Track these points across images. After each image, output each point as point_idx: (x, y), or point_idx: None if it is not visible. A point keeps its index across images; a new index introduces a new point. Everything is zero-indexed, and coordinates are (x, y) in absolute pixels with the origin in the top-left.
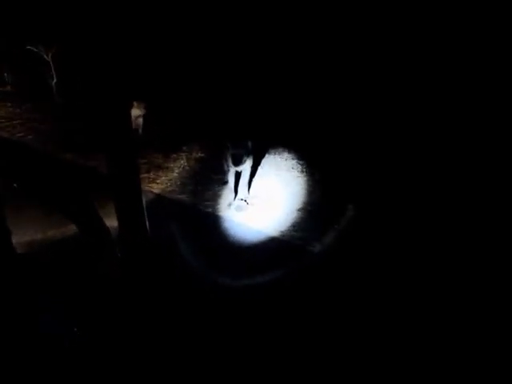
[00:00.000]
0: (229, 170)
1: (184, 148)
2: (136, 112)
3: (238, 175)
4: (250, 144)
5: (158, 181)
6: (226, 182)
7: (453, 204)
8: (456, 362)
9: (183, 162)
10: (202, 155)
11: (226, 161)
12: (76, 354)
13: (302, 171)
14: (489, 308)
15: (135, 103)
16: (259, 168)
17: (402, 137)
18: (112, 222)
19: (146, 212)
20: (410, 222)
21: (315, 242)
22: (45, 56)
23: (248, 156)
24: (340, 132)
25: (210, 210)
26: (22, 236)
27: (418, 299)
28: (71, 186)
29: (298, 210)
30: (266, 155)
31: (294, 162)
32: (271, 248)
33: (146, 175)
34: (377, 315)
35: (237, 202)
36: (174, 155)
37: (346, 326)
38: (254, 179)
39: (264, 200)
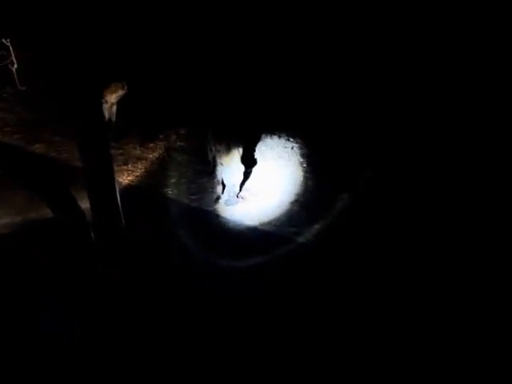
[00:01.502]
0: (214, 161)
1: (161, 136)
2: (112, 98)
3: (227, 167)
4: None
5: (136, 173)
6: (210, 174)
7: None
8: (456, 360)
9: (162, 152)
10: (182, 144)
11: (210, 151)
12: (76, 353)
13: (290, 159)
14: (489, 306)
15: (113, 86)
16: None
17: (393, 125)
18: (87, 205)
19: (120, 204)
20: (405, 210)
21: (313, 236)
22: (3, 40)
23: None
24: (327, 116)
25: (197, 204)
26: (1, 218)
27: (416, 294)
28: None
29: (292, 203)
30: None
31: (280, 149)
32: (268, 246)
33: (123, 167)
34: (373, 310)
35: (226, 195)
36: (152, 145)
37: (342, 321)
38: (244, 171)
39: (255, 193)
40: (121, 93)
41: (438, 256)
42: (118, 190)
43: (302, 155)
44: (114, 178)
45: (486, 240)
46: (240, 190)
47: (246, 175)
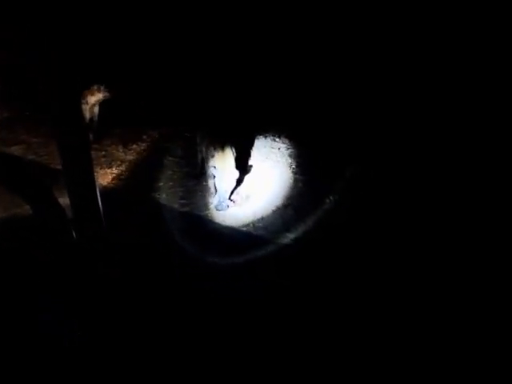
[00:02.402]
0: (203, 163)
1: (144, 137)
2: (92, 99)
3: (218, 170)
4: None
5: (121, 177)
6: (199, 177)
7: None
8: (456, 361)
9: (146, 154)
10: (167, 145)
11: (200, 152)
12: (76, 354)
13: (278, 160)
14: (489, 307)
15: (94, 87)
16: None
17: (384, 121)
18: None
19: (100, 204)
20: (400, 209)
21: (309, 237)
22: None
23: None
24: (314, 113)
25: (187, 209)
26: None
27: (415, 294)
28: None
29: (284, 205)
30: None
31: (267, 150)
32: (266, 248)
33: (108, 170)
34: (373, 310)
35: (217, 199)
36: (135, 146)
37: (342, 321)
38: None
39: (246, 196)
40: (102, 94)
41: (436, 257)
42: (98, 191)
43: (291, 155)
44: (94, 179)
45: (485, 239)
46: (231, 193)
47: (239, 179)
